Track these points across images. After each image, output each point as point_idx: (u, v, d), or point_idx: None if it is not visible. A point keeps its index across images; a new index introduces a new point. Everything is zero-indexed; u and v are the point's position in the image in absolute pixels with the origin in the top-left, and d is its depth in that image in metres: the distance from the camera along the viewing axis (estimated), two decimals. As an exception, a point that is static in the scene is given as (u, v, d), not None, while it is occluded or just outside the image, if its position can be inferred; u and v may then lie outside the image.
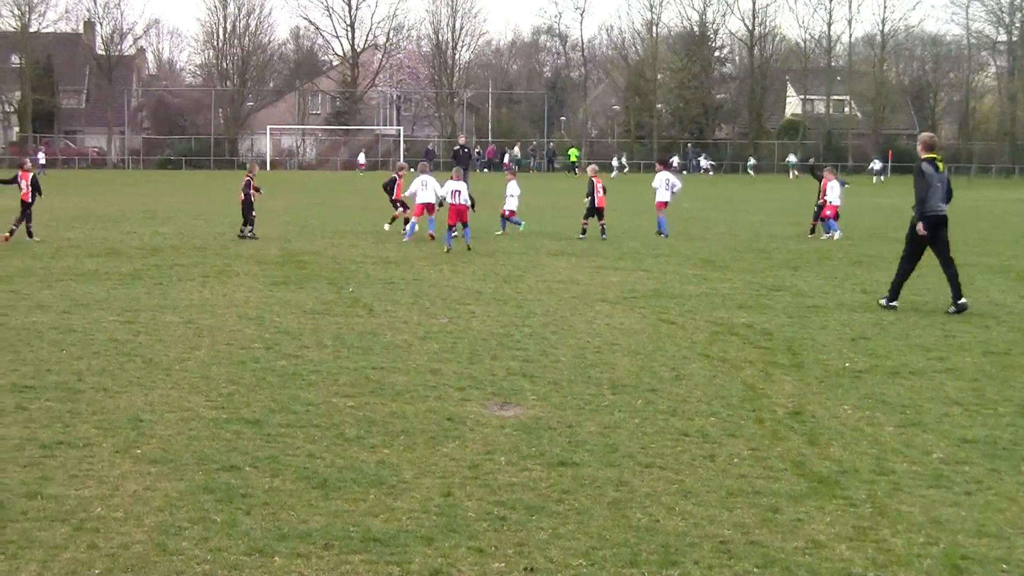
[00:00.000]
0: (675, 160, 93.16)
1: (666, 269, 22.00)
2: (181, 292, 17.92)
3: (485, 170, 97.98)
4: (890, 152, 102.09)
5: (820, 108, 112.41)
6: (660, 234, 29.23)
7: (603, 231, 28.58)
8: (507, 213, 30.03)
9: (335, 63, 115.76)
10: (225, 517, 7.31)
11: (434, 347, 13.43)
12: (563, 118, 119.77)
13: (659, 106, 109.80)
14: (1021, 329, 15.31)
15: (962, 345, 14.00)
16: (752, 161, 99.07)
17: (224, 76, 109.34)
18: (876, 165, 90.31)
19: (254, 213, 27.86)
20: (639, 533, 7.16)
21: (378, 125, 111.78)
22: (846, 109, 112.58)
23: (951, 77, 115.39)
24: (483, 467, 8.49)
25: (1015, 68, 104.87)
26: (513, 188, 30.16)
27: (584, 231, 28.56)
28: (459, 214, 25.12)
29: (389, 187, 29.18)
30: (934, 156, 17.30)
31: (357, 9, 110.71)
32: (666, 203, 29.97)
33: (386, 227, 29.95)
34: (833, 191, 29.66)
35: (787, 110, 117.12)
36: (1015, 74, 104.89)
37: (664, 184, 29.83)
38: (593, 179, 28.44)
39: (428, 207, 27.15)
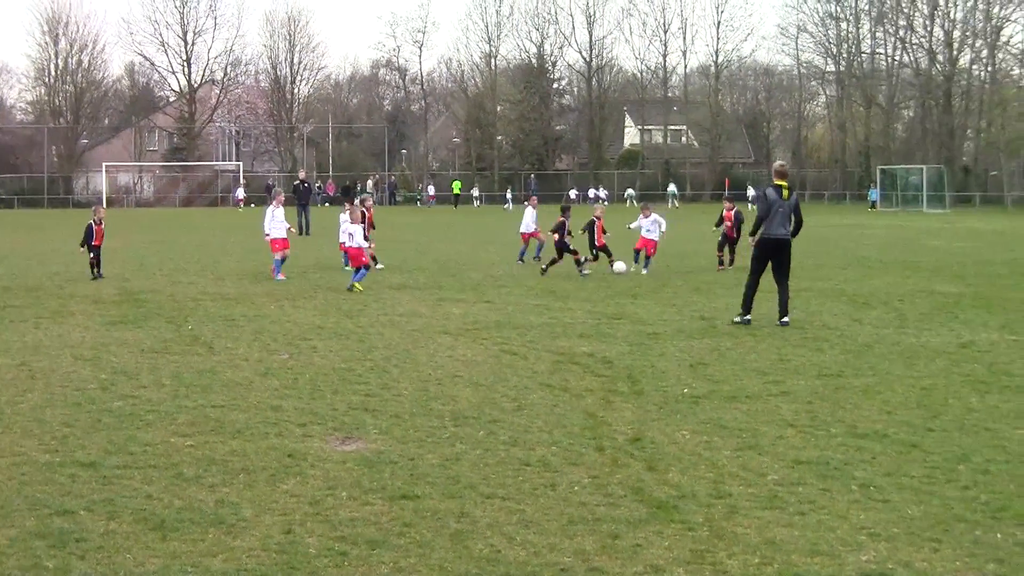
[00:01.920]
0: (630, 191, 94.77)
1: (508, 300, 22.12)
2: (14, 334, 17.47)
3: (326, 204, 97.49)
4: (727, 180, 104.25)
5: (658, 138, 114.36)
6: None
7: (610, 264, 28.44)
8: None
9: (172, 99, 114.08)
10: (58, 563, 7.13)
11: (275, 383, 13.31)
12: (404, 151, 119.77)
13: (499, 138, 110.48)
14: (853, 351, 15.72)
15: (796, 368, 14.33)
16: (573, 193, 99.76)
17: (57, 113, 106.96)
18: (672, 189, 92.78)
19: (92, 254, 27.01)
20: (481, 564, 7.17)
21: (217, 161, 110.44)
22: (683, 139, 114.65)
23: (783, 106, 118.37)
24: (324, 503, 8.44)
25: (843, 97, 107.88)
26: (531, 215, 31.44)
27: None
28: (354, 257, 24.62)
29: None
30: (781, 184, 18.25)
31: (193, 44, 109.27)
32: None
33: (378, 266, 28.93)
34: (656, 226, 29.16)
35: (626, 140, 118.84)
36: (843, 103, 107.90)
37: (654, 226, 29.03)
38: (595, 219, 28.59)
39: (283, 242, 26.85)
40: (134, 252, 37.03)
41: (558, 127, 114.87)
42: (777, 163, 19.50)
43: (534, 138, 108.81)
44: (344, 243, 27.56)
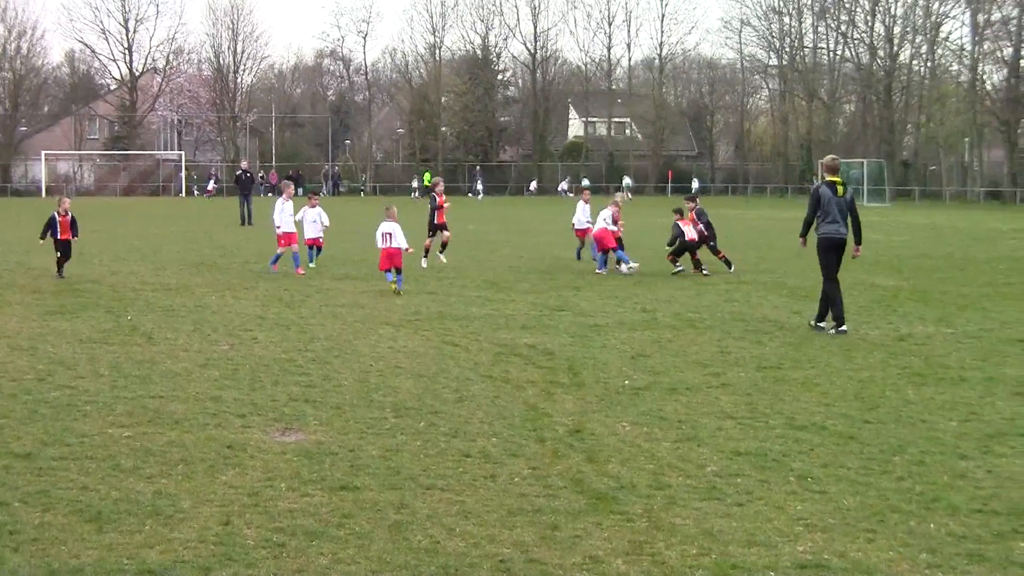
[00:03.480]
0: (586, 182, 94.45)
1: (450, 291, 22.11)
2: (-51, 323, 17.28)
3: (269, 195, 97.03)
4: (670, 172, 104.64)
5: (602, 130, 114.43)
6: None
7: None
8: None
9: (113, 87, 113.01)
10: (-8, 555, 7.07)
11: (215, 374, 13.24)
12: (348, 141, 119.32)
13: (444, 129, 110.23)
14: (792, 344, 15.84)
15: (737, 360, 14.42)
16: (534, 185, 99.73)
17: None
18: (627, 181, 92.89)
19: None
20: (420, 555, 7.17)
21: (159, 150, 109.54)
22: (627, 131, 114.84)
23: (727, 99, 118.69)
24: (263, 494, 8.41)
25: (786, 91, 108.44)
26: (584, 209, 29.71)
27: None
28: (391, 258, 22.00)
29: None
30: (835, 180, 17.27)
31: (135, 32, 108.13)
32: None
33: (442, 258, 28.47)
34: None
35: (570, 132, 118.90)
36: (786, 97, 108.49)
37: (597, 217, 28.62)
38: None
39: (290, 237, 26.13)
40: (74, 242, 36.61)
41: (502, 118, 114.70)
42: (828, 157, 18.18)
43: (478, 129, 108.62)
44: (281, 231, 26.55)
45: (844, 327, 16.83)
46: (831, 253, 17.04)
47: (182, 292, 21.74)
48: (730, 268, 26.43)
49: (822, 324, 17.12)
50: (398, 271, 21.93)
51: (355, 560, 7.08)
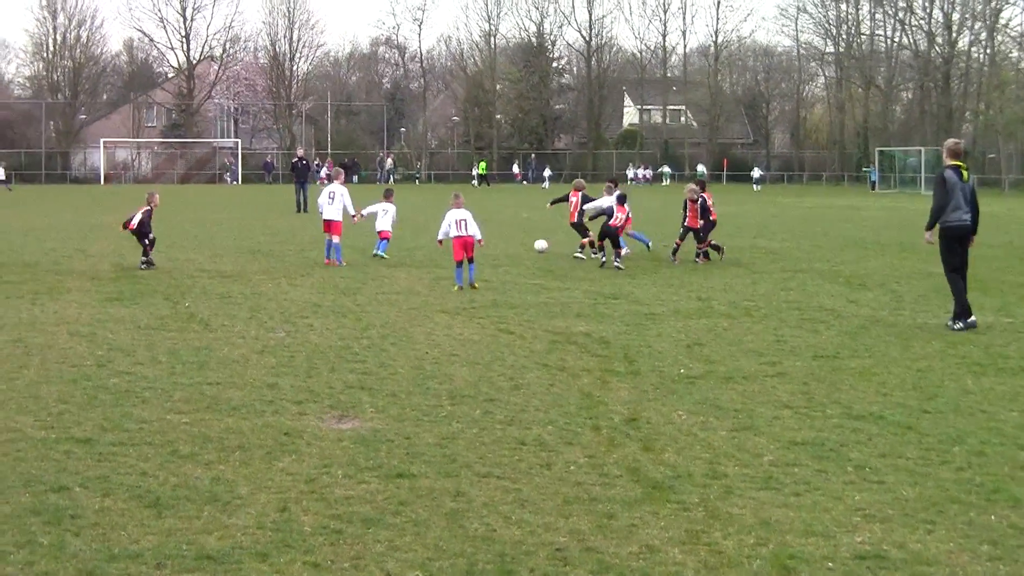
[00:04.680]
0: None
1: (505, 279, 22.11)
2: (9, 310, 17.46)
3: (325, 182, 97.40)
4: (725, 160, 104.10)
5: (657, 118, 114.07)
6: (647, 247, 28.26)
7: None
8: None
9: (170, 75, 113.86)
10: (53, 539, 7.14)
11: (271, 361, 13.31)
12: (403, 129, 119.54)
13: (498, 117, 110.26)
14: (849, 333, 15.73)
15: (793, 349, 14.33)
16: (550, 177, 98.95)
17: (55, 88, 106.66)
18: (756, 173, 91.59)
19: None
20: (476, 543, 7.18)
21: (216, 137, 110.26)
22: (682, 119, 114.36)
23: (783, 87, 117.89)
24: (320, 481, 8.44)
25: (843, 78, 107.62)
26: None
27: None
28: (465, 247, 20.82)
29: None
30: (959, 164, 16.39)
31: (192, 20, 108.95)
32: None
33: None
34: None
35: (625, 120, 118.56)
36: (843, 84, 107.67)
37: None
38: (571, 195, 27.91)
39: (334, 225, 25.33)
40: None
41: (557, 106, 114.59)
42: (950, 141, 16.86)
43: (533, 117, 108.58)
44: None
45: (972, 318, 16.15)
46: (956, 243, 16.28)
47: (238, 279, 21.87)
48: (697, 258, 25.97)
49: (970, 319, 16.17)
50: (470, 261, 20.97)
51: (411, 547, 7.09)
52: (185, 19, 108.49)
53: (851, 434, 9.99)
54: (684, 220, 26.40)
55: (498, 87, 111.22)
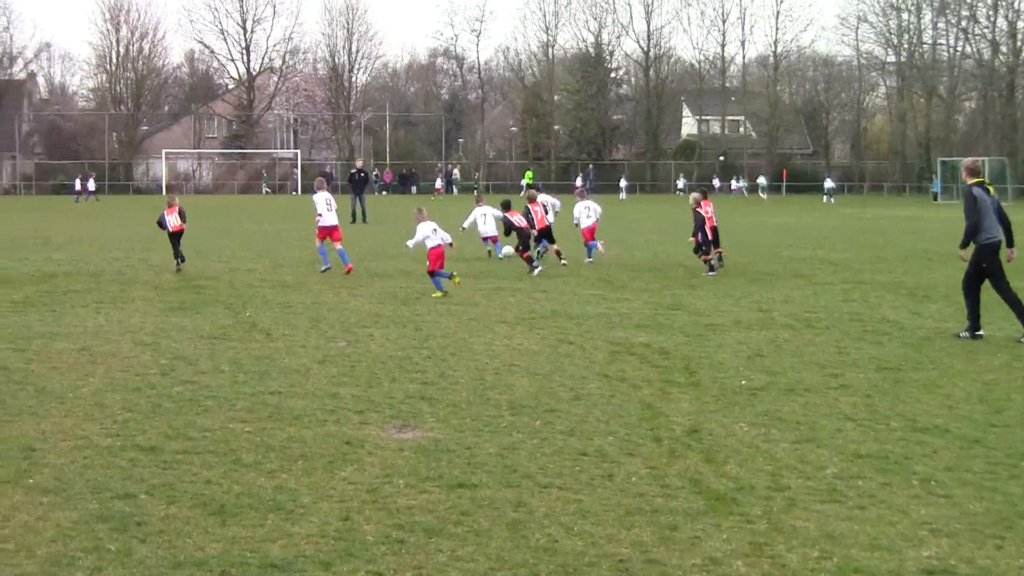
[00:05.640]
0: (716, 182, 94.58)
1: (564, 290, 22.09)
2: (75, 319, 17.66)
3: (383, 193, 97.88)
4: (784, 171, 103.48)
5: (716, 128, 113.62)
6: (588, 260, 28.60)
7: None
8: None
9: (231, 86, 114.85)
10: (119, 546, 7.21)
11: (332, 371, 13.36)
12: (461, 140, 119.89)
13: (556, 127, 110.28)
14: (912, 345, 15.58)
15: (855, 361, 14.22)
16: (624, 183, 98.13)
17: (118, 100, 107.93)
18: (828, 184, 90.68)
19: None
20: (538, 554, 7.17)
21: (275, 148, 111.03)
22: (741, 129, 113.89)
23: (843, 97, 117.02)
24: (382, 490, 8.46)
25: (903, 88, 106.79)
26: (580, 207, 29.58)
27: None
28: (440, 256, 21.67)
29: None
30: (982, 180, 16.51)
31: (252, 32, 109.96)
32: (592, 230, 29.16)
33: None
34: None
35: (683, 130, 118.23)
36: (904, 94, 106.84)
37: (585, 212, 29.11)
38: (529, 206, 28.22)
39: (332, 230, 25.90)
40: (192, 239, 37.24)
41: (615, 117, 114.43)
42: (968, 160, 17.12)
43: (591, 127, 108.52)
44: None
45: (967, 335, 16.28)
46: (993, 258, 16.25)
47: (299, 289, 21.98)
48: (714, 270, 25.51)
49: (979, 332, 16.19)
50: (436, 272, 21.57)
51: (473, 557, 7.10)
52: (245, 31, 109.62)
53: (916, 447, 9.89)
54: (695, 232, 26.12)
55: (556, 98, 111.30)
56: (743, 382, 12.81)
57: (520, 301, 20.23)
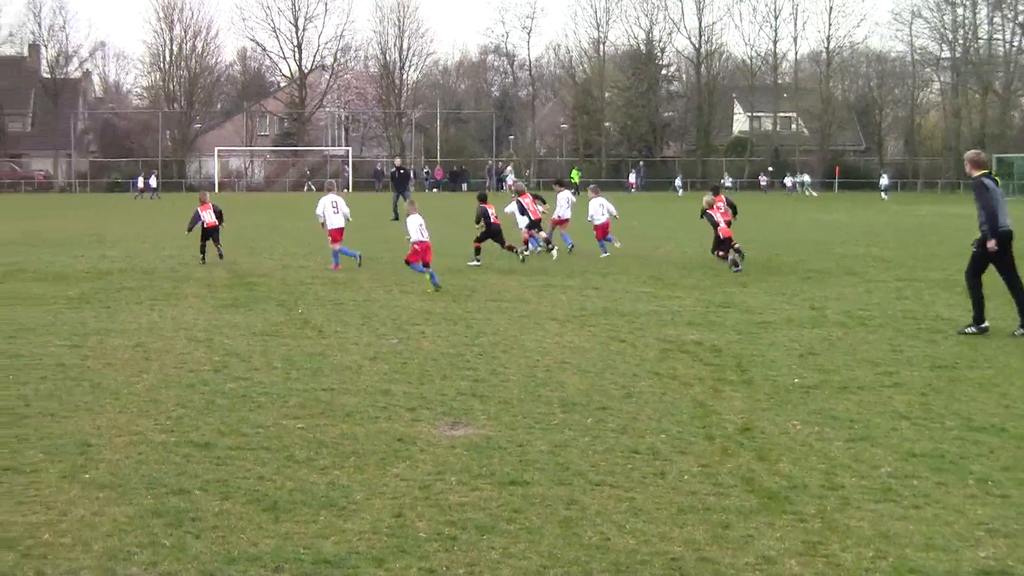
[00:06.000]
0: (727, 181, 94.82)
1: (615, 287, 22.05)
2: (129, 315, 17.81)
3: (434, 190, 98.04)
4: (837, 168, 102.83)
5: (767, 125, 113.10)
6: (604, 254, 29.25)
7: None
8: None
9: (283, 84, 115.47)
10: (174, 541, 7.26)
11: (384, 368, 13.40)
12: (511, 137, 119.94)
13: (607, 124, 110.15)
14: (967, 343, 15.44)
15: (910, 360, 14.10)
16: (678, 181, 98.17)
17: (171, 98, 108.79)
18: (884, 181, 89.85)
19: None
20: (590, 551, 7.16)
21: (327, 146, 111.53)
22: (793, 126, 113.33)
23: (896, 93, 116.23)
24: (434, 487, 8.48)
25: (958, 84, 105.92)
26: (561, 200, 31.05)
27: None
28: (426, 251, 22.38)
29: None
30: (988, 171, 16.71)
31: (304, 30, 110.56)
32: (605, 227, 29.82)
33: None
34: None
35: (735, 127, 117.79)
36: (958, 90, 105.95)
37: (600, 210, 29.72)
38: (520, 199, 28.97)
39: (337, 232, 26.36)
40: (244, 236, 37.50)
41: (666, 113, 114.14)
42: (972, 152, 17.31)
43: (642, 124, 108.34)
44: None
45: (986, 324, 16.34)
46: (1003, 248, 16.39)
47: (350, 286, 22.07)
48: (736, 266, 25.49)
49: (983, 324, 16.30)
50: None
51: (526, 555, 7.09)
52: (297, 29, 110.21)
53: (972, 447, 9.80)
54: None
55: (607, 94, 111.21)
56: (796, 380, 12.74)
57: (571, 298, 20.22)
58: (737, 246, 25.88)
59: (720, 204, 27.00)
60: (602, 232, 29.47)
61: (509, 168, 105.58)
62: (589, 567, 6.90)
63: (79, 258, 28.33)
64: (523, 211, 28.65)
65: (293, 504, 8.04)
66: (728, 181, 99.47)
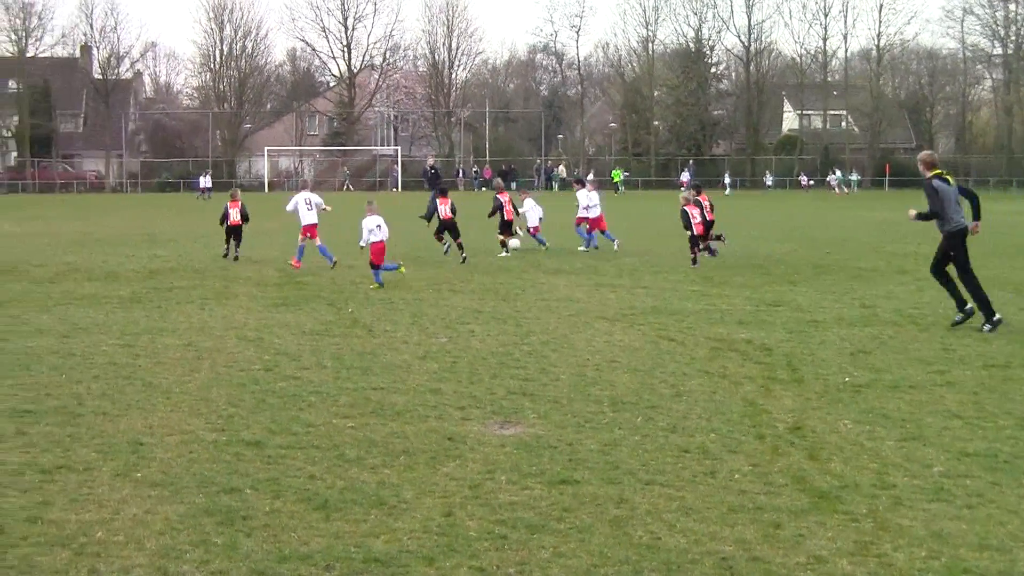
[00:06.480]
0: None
1: (664, 286, 22.00)
2: (180, 315, 17.94)
3: (483, 189, 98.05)
4: (887, 166, 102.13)
5: (817, 123, 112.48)
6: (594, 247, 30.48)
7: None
8: (532, 231, 30.94)
9: (332, 84, 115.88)
10: (226, 540, 7.31)
11: (434, 367, 13.43)
12: (560, 136, 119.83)
13: (656, 123, 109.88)
14: (1020, 342, 15.31)
15: (962, 358, 13.99)
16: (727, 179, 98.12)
17: (221, 98, 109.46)
18: (839, 174, 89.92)
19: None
20: (641, 550, 7.15)
21: (376, 145, 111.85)
22: (843, 124, 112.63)
23: (947, 91, 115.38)
24: (484, 486, 8.49)
25: (1011, 81, 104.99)
26: (529, 205, 31.28)
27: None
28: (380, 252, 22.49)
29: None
30: (940, 172, 16.95)
31: (353, 30, 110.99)
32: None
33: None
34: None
35: (784, 125, 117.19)
36: (1011, 87, 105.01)
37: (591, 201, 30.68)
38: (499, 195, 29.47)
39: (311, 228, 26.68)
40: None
41: (715, 112, 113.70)
42: (924, 153, 17.68)
43: (691, 123, 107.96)
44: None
45: (970, 307, 16.82)
46: (963, 244, 16.81)
47: (399, 285, 22.12)
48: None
49: (997, 318, 16.46)
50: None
51: (576, 554, 7.09)
52: (346, 28, 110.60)
53: (1025, 446, 9.72)
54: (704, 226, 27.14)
55: (656, 93, 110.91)
56: (847, 379, 12.67)
57: (620, 297, 20.19)
58: (712, 244, 27.23)
59: (705, 202, 27.62)
60: (595, 224, 30.87)
61: (561, 167, 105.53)
62: (639, 566, 6.89)
63: (131, 258, 28.58)
64: (498, 210, 28.89)
65: (344, 503, 8.07)
66: (769, 180, 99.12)
